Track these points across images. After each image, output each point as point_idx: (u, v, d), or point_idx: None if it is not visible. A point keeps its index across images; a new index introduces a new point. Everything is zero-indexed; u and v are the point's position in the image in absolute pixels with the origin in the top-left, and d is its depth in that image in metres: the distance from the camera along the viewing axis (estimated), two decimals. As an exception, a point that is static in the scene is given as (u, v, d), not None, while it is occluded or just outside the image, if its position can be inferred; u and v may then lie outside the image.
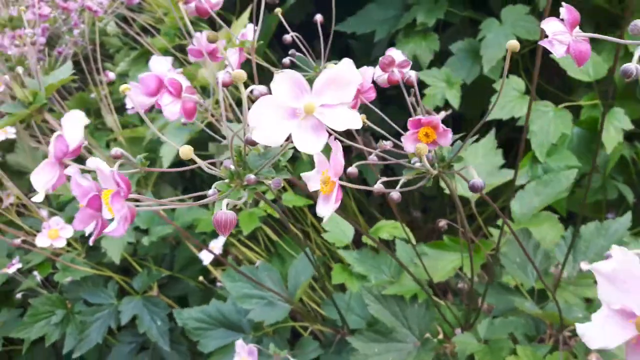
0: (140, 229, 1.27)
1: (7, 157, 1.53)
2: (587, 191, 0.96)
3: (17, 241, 1.11)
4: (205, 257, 1.22)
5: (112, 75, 1.34)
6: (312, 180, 0.50)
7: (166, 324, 1.19)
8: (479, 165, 1.02)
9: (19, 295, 1.29)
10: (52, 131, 1.55)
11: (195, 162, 0.44)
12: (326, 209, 0.47)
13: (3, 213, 1.39)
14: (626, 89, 1.22)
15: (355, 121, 0.40)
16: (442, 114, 1.10)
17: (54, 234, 1.10)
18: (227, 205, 0.43)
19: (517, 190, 1.01)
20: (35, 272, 1.26)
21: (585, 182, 1.17)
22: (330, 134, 0.42)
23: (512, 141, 1.51)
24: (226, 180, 0.48)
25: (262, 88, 0.53)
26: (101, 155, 1.42)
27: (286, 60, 0.71)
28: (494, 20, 1.26)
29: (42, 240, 1.09)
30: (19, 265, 1.20)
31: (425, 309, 0.86)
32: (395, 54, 0.61)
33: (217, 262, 1.35)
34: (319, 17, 0.76)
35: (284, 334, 1.08)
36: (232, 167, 0.48)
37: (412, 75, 0.58)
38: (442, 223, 0.87)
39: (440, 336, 0.90)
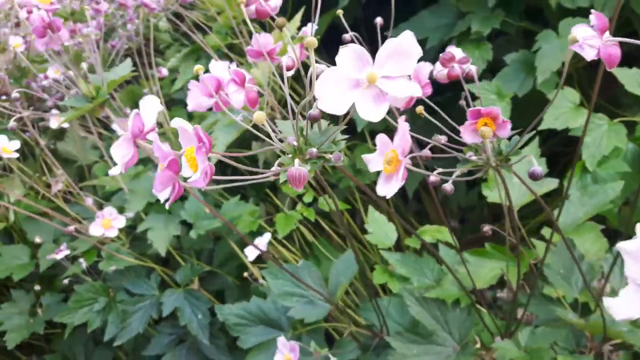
0: (186, 222, 1.29)
1: (58, 145, 1.57)
2: (634, 209, 0.95)
3: (70, 228, 1.13)
4: (250, 254, 1.23)
5: (165, 72, 1.36)
6: (373, 162, 0.53)
7: (207, 317, 1.20)
8: (522, 173, 1.01)
9: (65, 281, 1.32)
10: (100, 121, 1.57)
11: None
12: (389, 187, 0.50)
13: (52, 199, 1.43)
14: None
15: (415, 89, 0.42)
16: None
17: (107, 223, 1.12)
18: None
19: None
20: (81, 260, 1.29)
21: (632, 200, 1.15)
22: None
23: (557, 155, 1.49)
24: (289, 155, 0.51)
25: (323, 67, 0.55)
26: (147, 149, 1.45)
27: (346, 35, 0.73)
28: (551, 32, 1.24)
29: (95, 229, 1.11)
30: (67, 252, 1.23)
31: (466, 315, 0.86)
32: (455, 50, 0.64)
33: (255, 259, 1.36)
34: (379, 20, 0.77)
35: (319, 334, 1.09)
36: (295, 143, 0.50)
37: (473, 69, 0.61)
38: (487, 228, 0.86)
39: (478, 345, 0.90)
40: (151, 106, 0.50)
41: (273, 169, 0.49)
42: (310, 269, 1.01)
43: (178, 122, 0.45)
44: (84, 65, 0.89)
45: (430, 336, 0.86)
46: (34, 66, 1.36)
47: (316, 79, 0.43)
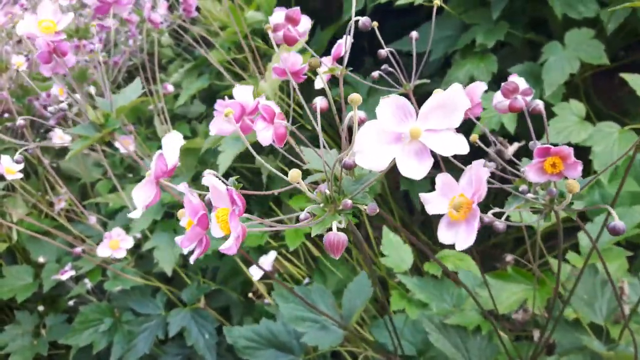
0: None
1: (60, 163, 1.56)
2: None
3: (78, 250, 1.12)
4: (255, 273, 1.22)
5: (170, 88, 1.36)
6: (432, 203, 0.48)
7: (214, 337, 1.19)
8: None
9: (70, 303, 1.31)
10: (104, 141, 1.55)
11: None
12: (458, 237, 0.46)
13: (55, 217, 1.41)
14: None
15: (462, 146, 0.39)
16: (516, 145, 1.07)
17: (115, 244, 1.11)
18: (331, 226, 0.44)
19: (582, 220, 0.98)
20: (86, 280, 1.27)
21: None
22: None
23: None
24: (321, 205, 0.48)
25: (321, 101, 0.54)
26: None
27: (382, 51, 0.71)
28: (557, 44, 1.23)
29: (103, 251, 1.10)
30: (72, 273, 1.21)
31: (487, 342, 0.83)
32: (518, 80, 0.60)
33: (263, 277, 1.35)
34: (414, 35, 0.77)
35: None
36: (327, 191, 0.48)
37: (540, 105, 0.57)
38: (509, 258, 0.84)
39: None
40: (174, 143, 0.48)
41: (302, 216, 0.47)
42: (323, 293, 0.98)
43: (210, 180, 0.43)
44: (92, 90, 0.87)
45: None
46: (36, 84, 1.35)
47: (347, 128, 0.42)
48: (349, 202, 0.46)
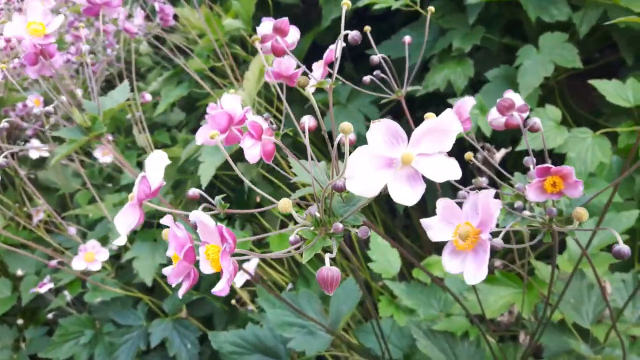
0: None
1: (38, 174, 1.54)
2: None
3: (53, 263, 1.10)
4: (238, 279, 1.21)
5: (148, 97, 1.35)
6: (434, 229, 0.46)
7: (196, 347, 1.18)
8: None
9: (50, 315, 1.29)
10: (81, 148, 1.54)
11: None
12: (466, 267, 0.44)
13: (33, 229, 1.39)
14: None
15: (455, 171, 0.39)
16: (503, 151, 1.08)
17: (90, 257, 1.10)
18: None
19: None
20: (65, 292, 1.26)
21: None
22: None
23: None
24: (311, 227, 0.46)
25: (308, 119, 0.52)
26: (132, 174, 1.43)
27: (374, 57, 0.71)
28: (531, 47, 1.25)
29: (78, 263, 1.09)
30: (51, 285, 1.20)
31: (475, 347, 0.83)
32: (514, 96, 0.60)
33: (245, 284, 1.34)
34: (407, 39, 0.79)
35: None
36: (317, 214, 0.46)
37: (538, 122, 0.56)
38: (498, 264, 0.85)
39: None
40: (158, 163, 0.47)
41: (291, 239, 0.45)
42: (310, 298, 0.98)
43: (197, 216, 0.41)
44: (79, 92, 0.85)
45: None
46: (11, 95, 1.34)
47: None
48: (340, 225, 0.45)
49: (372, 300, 1.17)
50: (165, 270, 0.46)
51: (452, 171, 0.39)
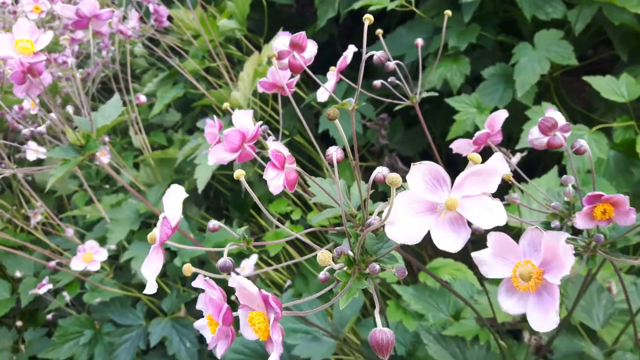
0: (170, 249, 1.27)
1: (35, 176, 1.54)
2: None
3: (52, 264, 1.11)
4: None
5: (143, 99, 1.35)
6: (488, 264, 0.42)
7: (195, 345, 1.18)
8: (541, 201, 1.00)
9: (49, 316, 1.29)
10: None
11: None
12: (538, 319, 0.40)
13: (31, 231, 1.40)
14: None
15: (501, 215, 0.36)
16: (518, 156, 1.09)
17: (88, 257, 1.10)
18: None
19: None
20: (64, 293, 1.26)
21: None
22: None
23: (534, 160, 1.50)
24: (344, 268, 0.43)
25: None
26: (129, 175, 1.43)
27: (390, 64, 0.68)
28: (527, 45, 1.26)
29: (77, 264, 1.09)
30: (50, 286, 1.20)
31: (486, 351, 0.82)
32: (556, 115, 0.58)
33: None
34: (419, 42, 0.75)
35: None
36: (350, 252, 0.43)
37: (584, 144, 0.54)
38: None
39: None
40: (176, 197, 0.45)
41: (321, 276, 0.43)
42: (312, 304, 0.97)
43: (238, 281, 0.39)
44: (70, 109, 0.83)
45: None
46: (6, 97, 1.34)
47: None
48: (377, 267, 0.42)
49: (369, 298, 1.17)
50: (197, 325, 0.46)
51: (498, 215, 0.36)
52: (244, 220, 1.59)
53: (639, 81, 1.16)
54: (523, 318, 0.97)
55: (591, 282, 0.85)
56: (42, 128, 0.79)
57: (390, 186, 0.35)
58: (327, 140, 1.48)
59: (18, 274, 1.33)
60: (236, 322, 0.42)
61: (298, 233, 0.51)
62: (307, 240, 0.55)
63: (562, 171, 1.15)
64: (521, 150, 1.20)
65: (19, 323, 1.37)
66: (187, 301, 1.29)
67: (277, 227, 1.44)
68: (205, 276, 0.43)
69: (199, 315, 1.33)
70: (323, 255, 0.38)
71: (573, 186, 0.58)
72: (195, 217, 1.48)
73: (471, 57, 1.37)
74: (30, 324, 1.42)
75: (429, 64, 1.38)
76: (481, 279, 0.89)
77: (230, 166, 1.52)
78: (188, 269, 0.43)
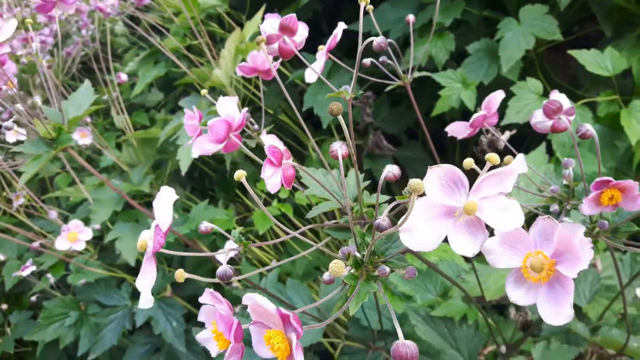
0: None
1: (16, 158, 1.51)
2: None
3: (35, 244, 1.09)
4: (221, 258, 1.21)
5: (124, 77, 1.33)
6: (496, 254, 0.39)
7: (182, 325, 1.18)
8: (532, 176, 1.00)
9: (33, 298, 1.28)
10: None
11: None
12: (550, 312, 0.39)
13: (13, 214, 1.38)
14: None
15: (519, 217, 0.35)
16: (507, 134, 1.08)
17: (73, 236, 1.09)
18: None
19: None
20: (49, 274, 1.25)
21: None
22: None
23: (520, 138, 1.50)
24: (352, 270, 0.42)
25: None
26: (111, 156, 1.41)
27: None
28: (512, 20, 1.25)
29: (61, 243, 1.08)
30: (33, 268, 1.19)
31: (474, 330, 0.83)
32: (561, 98, 0.56)
33: (230, 261, 1.34)
34: (411, 18, 0.73)
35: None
36: (357, 254, 0.42)
37: (590, 129, 0.53)
38: None
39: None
40: (166, 201, 0.43)
41: (325, 277, 0.41)
42: (297, 287, 0.96)
43: (254, 299, 0.37)
44: (38, 101, 0.78)
45: (439, 355, 0.82)
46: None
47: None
48: (387, 269, 0.40)
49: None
50: (200, 337, 0.45)
51: (515, 216, 0.35)
52: (230, 201, 1.58)
53: (624, 55, 1.16)
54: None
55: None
56: (9, 123, 0.73)
57: (412, 193, 0.33)
58: (311, 118, 1.47)
59: (1, 257, 1.32)
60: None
61: (296, 232, 0.49)
62: (295, 220, 0.54)
63: (549, 147, 1.15)
64: (510, 128, 1.20)
65: (4, 306, 1.37)
66: (174, 282, 1.28)
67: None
68: (207, 286, 0.41)
69: (184, 295, 1.32)
70: (336, 265, 0.36)
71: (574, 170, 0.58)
72: (180, 197, 1.47)
73: (456, 33, 1.36)
74: (15, 306, 1.41)
75: (414, 39, 1.37)
76: (469, 258, 0.89)
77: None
78: (180, 275, 0.42)
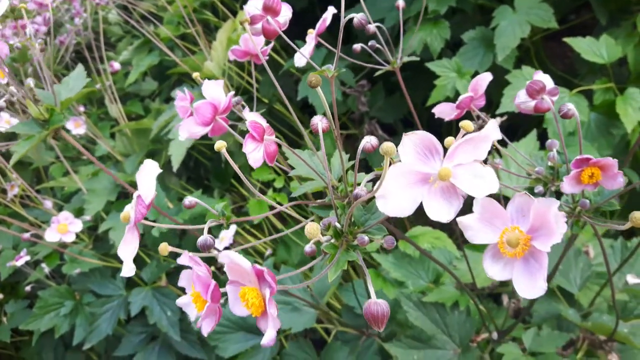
0: (148, 219, 1.26)
1: (11, 148, 1.51)
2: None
3: (26, 235, 1.09)
4: (217, 245, 1.21)
5: (117, 66, 1.32)
6: (474, 229, 0.40)
7: (176, 314, 1.18)
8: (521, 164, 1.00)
9: (28, 288, 1.29)
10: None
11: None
12: (524, 285, 0.39)
13: (8, 205, 1.38)
14: None
15: (493, 183, 0.35)
16: (498, 119, 1.08)
17: (63, 228, 1.08)
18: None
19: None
20: (44, 264, 1.25)
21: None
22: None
23: (514, 126, 1.49)
24: (332, 240, 0.42)
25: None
26: (105, 146, 1.41)
27: (371, 26, 0.67)
28: (507, 8, 1.24)
29: (51, 235, 1.07)
30: (27, 258, 1.19)
31: (465, 316, 0.83)
32: (544, 78, 0.56)
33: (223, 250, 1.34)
34: (400, 3, 0.74)
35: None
36: (337, 224, 0.42)
37: (572, 108, 0.52)
38: None
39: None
40: (149, 174, 0.43)
41: (307, 249, 0.42)
42: (295, 276, 0.96)
43: (229, 256, 0.37)
44: (31, 83, 0.78)
45: (430, 340, 0.83)
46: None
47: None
48: (366, 238, 0.41)
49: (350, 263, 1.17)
50: (180, 302, 0.45)
51: (490, 183, 0.35)
52: (225, 190, 1.58)
53: (619, 43, 1.16)
54: (502, 283, 0.99)
55: (569, 247, 0.86)
56: (1, 102, 0.74)
57: (385, 156, 0.33)
58: (307, 107, 1.47)
59: (-3, 247, 1.32)
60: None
61: (283, 206, 0.49)
62: (291, 211, 0.54)
63: (542, 135, 1.15)
64: (501, 115, 1.19)
65: (0, 295, 1.37)
66: (168, 271, 1.29)
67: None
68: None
69: (178, 285, 1.32)
70: (311, 227, 0.37)
71: (558, 151, 0.57)
72: (175, 187, 1.47)
73: (451, 21, 1.35)
74: (11, 296, 1.41)
75: (410, 28, 1.36)
76: (460, 245, 0.89)
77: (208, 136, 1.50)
78: (164, 248, 0.42)
